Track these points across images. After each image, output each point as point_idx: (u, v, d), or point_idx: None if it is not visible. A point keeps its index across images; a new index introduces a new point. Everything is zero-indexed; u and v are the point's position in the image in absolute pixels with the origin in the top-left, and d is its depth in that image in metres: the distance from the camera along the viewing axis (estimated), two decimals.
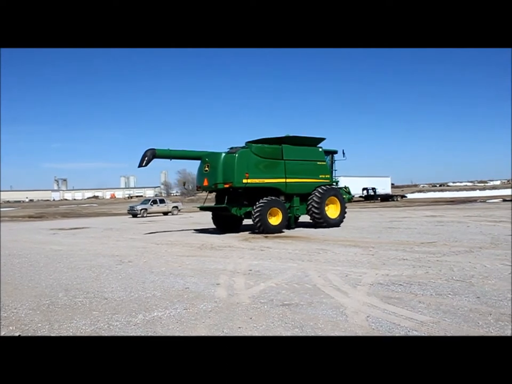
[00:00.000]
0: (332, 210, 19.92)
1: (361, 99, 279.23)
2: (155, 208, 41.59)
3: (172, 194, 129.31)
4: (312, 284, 7.75)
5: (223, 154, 18.36)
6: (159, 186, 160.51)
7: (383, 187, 63.47)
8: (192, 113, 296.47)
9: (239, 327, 5.38)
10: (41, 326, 5.75)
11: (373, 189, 58.86)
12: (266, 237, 16.61)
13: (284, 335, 5.05)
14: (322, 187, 19.61)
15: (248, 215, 18.56)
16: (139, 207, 40.81)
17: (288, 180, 18.92)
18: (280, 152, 18.98)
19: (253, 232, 18.21)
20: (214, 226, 20.35)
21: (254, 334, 5.12)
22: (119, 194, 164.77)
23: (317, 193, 19.29)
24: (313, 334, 5.02)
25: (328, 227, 19.16)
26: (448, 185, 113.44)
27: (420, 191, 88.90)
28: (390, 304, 6.16)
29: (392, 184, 72.12)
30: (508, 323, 5.12)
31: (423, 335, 4.75)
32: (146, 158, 18.06)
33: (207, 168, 18.69)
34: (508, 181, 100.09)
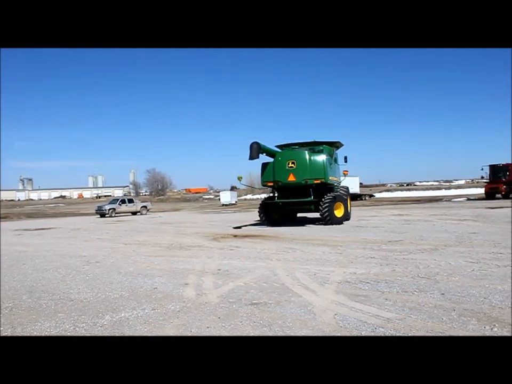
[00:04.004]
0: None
1: (328, 98, 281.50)
2: (123, 208, 41.20)
3: (141, 194, 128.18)
4: (280, 282, 7.78)
5: (307, 152, 20.17)
6: (127, 186, 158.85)
7: (352, 186, 64.06)
8: (168, 110, 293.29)
9: (208, 327, 5.36)
10: (3, 329, 5.59)
11: None
12: (235, 236, 16.62)
13: (256, 335, 5.06)
14: (343, 186, 22.91)
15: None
16: (107, 207, 40.36)
17: (336, 179, 21.90)
18: (334, 154, 21.81)
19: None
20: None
21: (222, 333, 5.11)
22: (87, 194, 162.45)
23: (343, 191, 22.09)
24: (282, 334, 5.04)
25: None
26: (415, 185, 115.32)
27: (387, 191, 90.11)
28: (357, 302, 6.23)
29: (360, 183, 72.95)
30: (470, 318, 5.25)
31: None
32: (256, 151, 19.12)
33: (292, 165, 20.00)
34: (472, 180, 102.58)
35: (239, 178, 22.61)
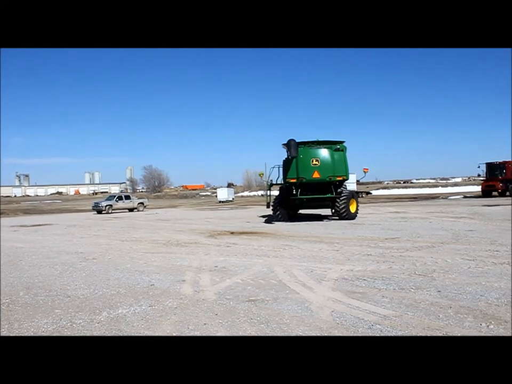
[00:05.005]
0: None
1: (324, 96, 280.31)
2: (120, 204, 41.00)
3: (138, 191, 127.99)
4: (277, 279, 7.79)
5: (327, 150, 20.58)
6: (124, 183, 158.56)
7: (349, 184, 64.08)
8: (161, 108, 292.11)
9: (205, 324, 5.37)
10: None
11: None
12: (232, 233, 16.62)
13: (253, 332, 5.07)
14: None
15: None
16: (104, 203, 40.18)
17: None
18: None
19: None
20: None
21: (219, 330, 5.12)
22: (84, 190, 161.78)
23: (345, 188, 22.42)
24: (279, 330, 5.05)
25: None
26: (411, 182, 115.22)
27: (384, 188, 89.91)
28: (354, 299, 6.25)
29: (357, 181, 72.91)
30: (466, 315, 5.27)
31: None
32: (294, 147, 20.04)
33: (316, 162, 20.43)
34: (469, 178, 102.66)
35: (261, 175, 23.56)
